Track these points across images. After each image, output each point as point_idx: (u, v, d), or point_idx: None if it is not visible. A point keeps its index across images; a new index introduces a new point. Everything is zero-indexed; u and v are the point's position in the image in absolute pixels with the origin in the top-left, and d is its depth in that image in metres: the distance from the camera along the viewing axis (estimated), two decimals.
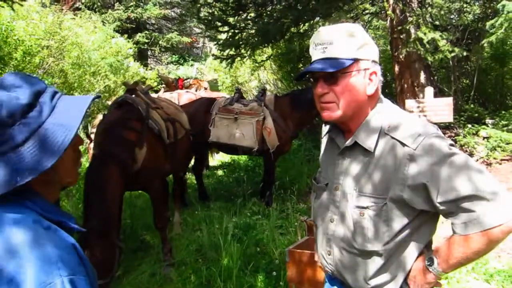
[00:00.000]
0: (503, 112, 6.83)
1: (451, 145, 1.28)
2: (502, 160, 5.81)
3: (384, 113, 1.39)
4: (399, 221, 1.32)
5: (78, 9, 14.81)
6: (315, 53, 1.39)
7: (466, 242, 1.22)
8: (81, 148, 6.17)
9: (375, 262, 1.37)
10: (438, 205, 1.24)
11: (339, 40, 1.34)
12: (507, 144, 5.83)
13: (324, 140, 1.63)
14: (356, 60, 1.34)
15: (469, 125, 6.53)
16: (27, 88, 0.99)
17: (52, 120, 1.00)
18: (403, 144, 1.28)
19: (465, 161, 1.23)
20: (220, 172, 8.04)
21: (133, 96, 4.09)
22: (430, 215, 1.34)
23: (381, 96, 1.45)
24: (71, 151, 1.06)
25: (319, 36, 1.38)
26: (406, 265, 1.36)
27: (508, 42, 7.62)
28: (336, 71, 1.33)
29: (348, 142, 1.42)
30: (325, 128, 1.61)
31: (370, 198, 1.34)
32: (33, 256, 0.90)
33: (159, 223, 4.01)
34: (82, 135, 6.66)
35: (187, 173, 6.69)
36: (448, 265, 1.28)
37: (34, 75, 1.11)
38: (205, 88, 10.44)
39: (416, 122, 1.33)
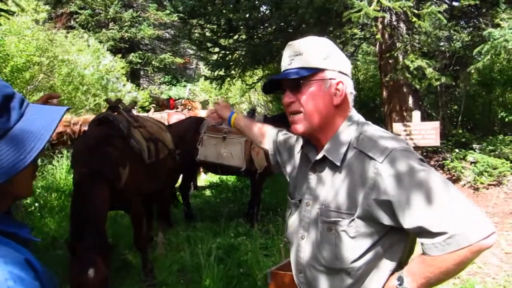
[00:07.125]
0: (490, 137, 6.88)
1: (421, 159, 1.24)
2: (489, 185, 5.83)
3: (354, 127, 1.38)
4: (367, 238, 1.27)
5: (72, 27, 14.91)
6: (283, 65, 1.42)
7: (435, 262, 1.17)
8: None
9: (344, 281, 1.32)
10: (405, 227, 1.20)
11: (305, 51, 1.37)
12: (494, 169, 5.86)
13: (297, 156, 1.61)
14: (320, 70, 1.35)
15: (457, 150, 6.56)
16: None
17: (21, 126, 0.94)
18: (370, 158, 1.25)
19: (428, 179, 1.17)
20: (208, 193, 7.97)
21: (115, 113, 4.04)
22: (403, 232, 1.28)
23: (354, 110, 1.44)
24: (31, 163, 1.00)
25: (289, 49, 1.42)
26: (377, 284, 1.30)
27: (495, 69, 7.74)
28: (298, 78, 1.35)
29: (318, 156, 1.40)
30: (298, 145, 1.59)
31: (338, 213, 1.30)
32: None
33: (138, 243, 3.92)
34: None
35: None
36: (418, 285, 1.23)
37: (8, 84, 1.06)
38: (189, 109, 10.58)
39: (385, 136, 1.31)
